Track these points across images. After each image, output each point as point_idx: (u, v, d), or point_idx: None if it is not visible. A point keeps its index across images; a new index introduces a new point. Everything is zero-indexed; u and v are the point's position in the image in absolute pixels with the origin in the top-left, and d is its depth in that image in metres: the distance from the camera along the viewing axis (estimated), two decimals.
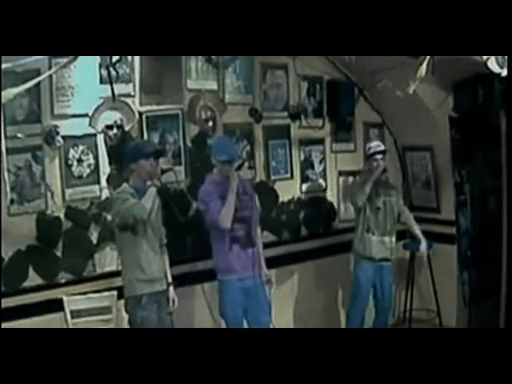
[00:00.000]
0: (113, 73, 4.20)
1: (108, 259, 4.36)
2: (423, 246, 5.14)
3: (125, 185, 3.91)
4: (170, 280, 4.04)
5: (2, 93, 3.47)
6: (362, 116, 5.81)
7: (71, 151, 4.19)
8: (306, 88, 5.44)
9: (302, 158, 5.49)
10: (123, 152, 4.09)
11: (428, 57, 4.06)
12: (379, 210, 4.97)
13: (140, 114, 4.48)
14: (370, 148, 5.00)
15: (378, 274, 4.97)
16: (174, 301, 4.01)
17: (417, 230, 5.18)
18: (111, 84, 4.17)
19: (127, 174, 4.02)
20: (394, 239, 5.04)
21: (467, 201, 5.58)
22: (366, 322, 5.16)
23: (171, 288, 4.04)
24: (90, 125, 4.22)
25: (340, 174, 5.71)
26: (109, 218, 4.33)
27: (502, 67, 4.02)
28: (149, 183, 3.82)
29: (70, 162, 4.19)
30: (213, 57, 4.78)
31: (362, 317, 4.98)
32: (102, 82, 4.24)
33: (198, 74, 4.76)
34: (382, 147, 5.01)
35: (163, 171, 3.90)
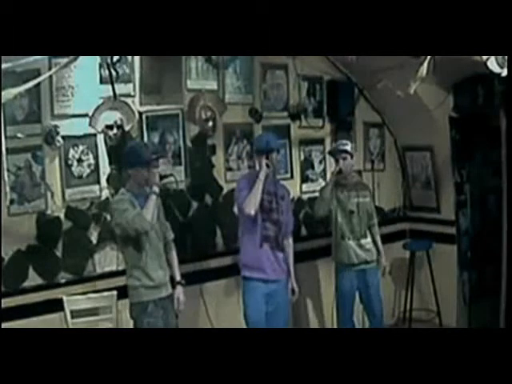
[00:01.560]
0: (113, 73, 4.20)
1: (108, 259, 4.36)
2: (382, 260, 4.83)
3: (122, 190, 3.80)
4: (178, 278, 3.96)
5: (2, 93, 3.47)
6: (362, 116, 5.81)
7: (71, 151, 4.19)
8: (306, 88, 5.44)
9: (302, 158, 5.49)
10: (122, 153, 4.09)
11: (428, 57, 4.06)
12: (353, 214, 4.72)
13: (140, 113, 4.48)
14: (336, 146, 4.83)
15: (362, 278, 4.75)
16: (178, 300, 3.92)
17: (378, 241, 4.84)
18: (112, 84, 4.17)
19: (124, 178, 3.97)
20: (371, 239, 4.80)
21: (467, 201, 5.59)
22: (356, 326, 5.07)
23: (179, 287, 3.95)
24: (90, 125, 4.22)
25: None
26: (109, 218, 4.33)
27: (502, 67, 4.03)
28: (148, 190, 3.71)
29: (70, 162, 4.19)
30: (213, 57, 4.79)
31: (351, 323, 4.88)
32: (102, 81, 4.24)
33: (198, 74, 4.76)
34: (346, 147, 4.72)
35: (162, 177, 3.77)
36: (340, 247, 4.75)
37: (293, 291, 4.37)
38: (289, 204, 4.45)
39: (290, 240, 4.40)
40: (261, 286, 4.17)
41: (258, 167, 4.23)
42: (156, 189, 3.70)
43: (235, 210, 4.38)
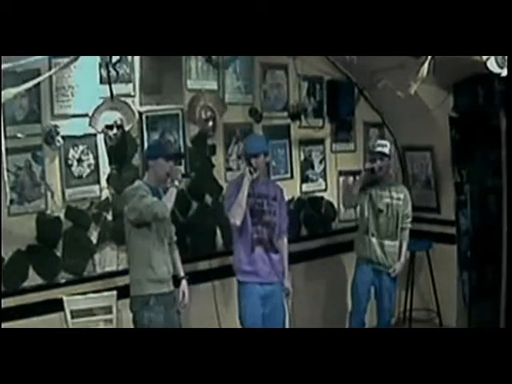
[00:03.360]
0: (113, 73, 4.21)
1: (108, 259, 4.36)
2: (398, 266, 4.83)
3: (139, 181, 3.92)
4: (182, 274, 4.03)
5: (2, 93, 3.47)
6: (362, 116, 5.81)
7: (71, 151, 4.19)
8: (306, 88, 5.44)
9: (302, 158, 5.49)
10: (123, 152, 4.10)
11: (429, 57, 4.06)
12: (381, 213, 4.78)
13: (140, 113, 4.48)
14: (373, 145, 4.91)
15: (378, 277, 4.83)
16: (184, 294, 4.00)
17: (403, 246, 4.84)
18: (110, 84, 4.17)
19: (143, 171, 4.08)
20: (396, 244, 4.81)
21: (467, 201, 5.58)
22: (368, 323, 5.09)
23: (184, 282, 4.03)
24: (90, 125, 4.22)
25: (340, 173, 5.71)
26: (109, 217, 4.34)
27: (501, 67, 4.03)
28: (169, 184, 3.80)
29: (70, 162, 4.19)
30: (213, 57, 4.78)
31: (362, 317, 4.91)
32: (102, 82, 4.24)
33: (198, 74, 4.76)
34: (384, 149, 4.75)
35: (183, 175, 3.93)
36: (363, 241, 4.84)
37: (287, 292, 4.37)
38: (282, 203, 4.41)
39: (285, 239, 4.38)
40: (256, 288, 4.16)
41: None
42: (177, 183, 3.79)
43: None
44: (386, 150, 4.76)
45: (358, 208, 4.97)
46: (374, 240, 4.80)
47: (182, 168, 4.52)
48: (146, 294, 3.78)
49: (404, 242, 4.86)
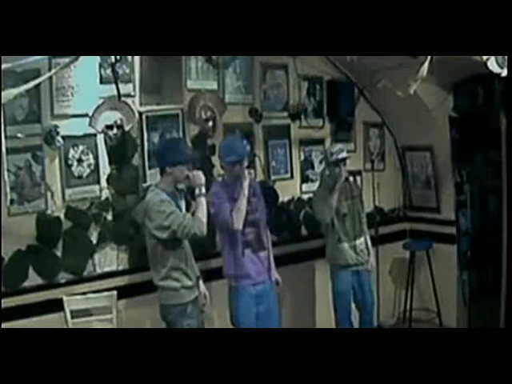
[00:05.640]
0: (115, 72, 4.20)
1: (108, 259, 4.36)
2: (371, 261, 4.90)
3: (155, 189, 3.73)
4: (198, 273, 3.91)
5: (2, 93, 3.47)
6: (361, 116, 5.81)
7: (71, 151, 4.19)
8: (306, 88, 5.44)
9: (302, 157, 5.49)
10: (123, 152, 4.09)
11: (428, 57, 4.06)
12: (345, 217, 4.78)
13: (140, 113, 4.48)
14: (332, 154, 4.71)
15: (356, 278, 4.82)
16: (205, 295, 3.96)
17: (368, 240, 4.91)
18: (116, 83, 4.17)
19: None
20: (363, 239, 4.85)
21: (467, 201, 5.58)
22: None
23: (201, 282, 3.96)
24: (89, 125, 4.22)
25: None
26: (109, 217, 4.34)
27: (501, 67, 4.03)
28: (197, 193, 3.65)
29: (70, 162, 4.19)
30: (213, 57, 4.79)
31: (349, 322, 4.90)
32: (102, 81, 4.25)
33: (198, 74, 4.76)
34: (345, 154, 4.71)
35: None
36: (336, 250, 4.80)
37: (277, 282, 4.35)
38: (260, 197, 4.27)
39: (267, 231, 4.33)
40: (249, 289, 4.14)
41: (229, 177, 4.10)
42: (204, 190, 3.66)
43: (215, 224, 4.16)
44: (346, 154, 4.74)
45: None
46: (346, 245, 4.78)
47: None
48: (184, 302, 3.70)
49: (367, 234, 4.94)
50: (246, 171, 4.02)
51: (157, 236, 3.63)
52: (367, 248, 4.90)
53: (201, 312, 3.93)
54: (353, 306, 4.94)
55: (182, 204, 3.87)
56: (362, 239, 4.87)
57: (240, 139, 4.37)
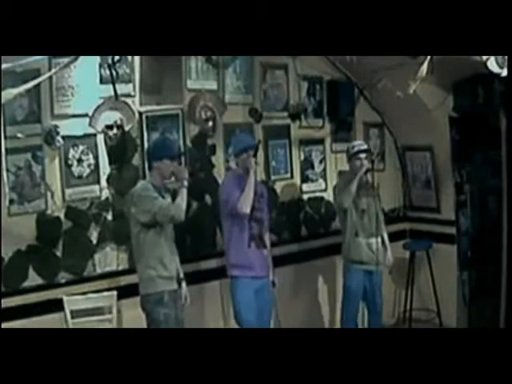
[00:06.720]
0: (113, 73, 4.20)
1: (108, 259, 4.37)
2: (388, 257, 4.95)
3: (144, 182, 3.95)
4: (181, 276, 4.03)
5: (2, 93, 3.47)
6: (361, 116, 5.81)
7: (71, 151, 4.20)
8: (306, 88, 5.44)
9: (302, 157, 5.49)
10: (123, 152, 4.09)
11: (428, 57, 4.06)
12: (364, 213, 4.82)
13: (140, 113, 4.48)
14: (353, 147, 4.86)
15: (368, 277, 4.84)
16: (186, 297, 4.05)
17: (386, 240, 4.97)
18: (113, 84, 4.17)
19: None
20: (380, 240, 4.88)
21: (467, 201, 5.58)
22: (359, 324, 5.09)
23: (183, 284, 4.05)
24: (89, 125, 4.22)
25: (340, 174, 5.69)
26: (109, 217, 4.34)
27: (501, 67, 4.02)
28: (178, 184, 3.86)
29: (70, 162, 4.20)
30: (213, 57, 4.79)
31: (355, 321, 4.92)
32: (102, 81, 4.25)
33: (198, 74, 4.77)
34: (365, 146, 4.87)
35: (190, 174, 3.96)
36: (353, 244, 4.83)
37: (273, 283, 4.43)
38: (267, 201, 4.51)
39: (267, 235, 4.47)
40: (251, 283, 4.23)
41: (234, 166, 4.45)
42: (186, 183, 3.83)
43: (224, 212, 4.28)
44: (366, 146, 4.90)
45: (340, 213, 4.93)
46: (362, 241, 4.81)
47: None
48: (160, 290, 3.80)
49: (385, 234, 4.98)
50: (253, 160, 4.15)
51: (140, 221, 3.76)
52: (384, 245, 4.94)
53: (182, 306, 3.98)
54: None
55: (168, 198, 3.93)
56: (379, 239, 4.88)
57: (247, 134, 4.85)
